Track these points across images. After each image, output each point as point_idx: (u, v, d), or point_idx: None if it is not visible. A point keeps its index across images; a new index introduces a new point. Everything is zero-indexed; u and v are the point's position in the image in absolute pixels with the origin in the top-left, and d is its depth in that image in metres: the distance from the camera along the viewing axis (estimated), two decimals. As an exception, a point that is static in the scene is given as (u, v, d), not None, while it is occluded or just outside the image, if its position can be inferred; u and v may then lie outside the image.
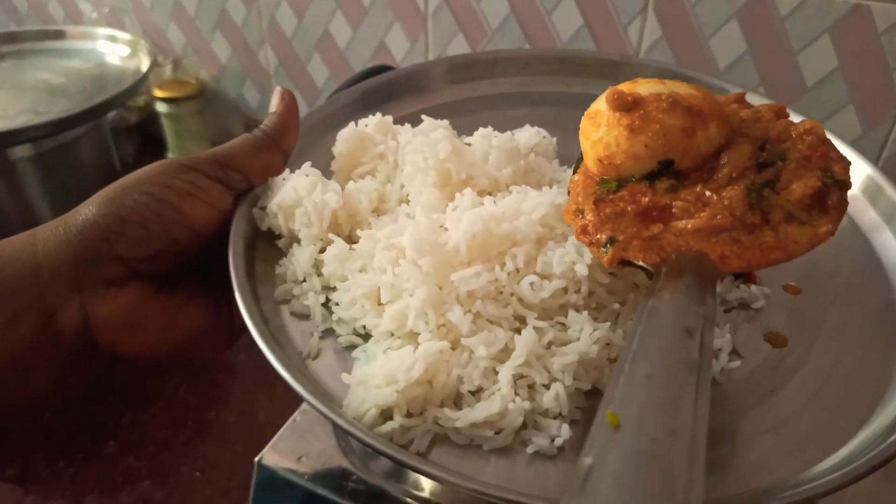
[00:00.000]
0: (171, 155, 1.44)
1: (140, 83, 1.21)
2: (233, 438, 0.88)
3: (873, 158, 0.59)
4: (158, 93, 1.40)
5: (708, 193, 0.43)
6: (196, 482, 0.83)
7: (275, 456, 0.64)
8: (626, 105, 0.45)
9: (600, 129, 0.45)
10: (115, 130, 1.36)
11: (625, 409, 0.32)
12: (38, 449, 0.87)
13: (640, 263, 0.43)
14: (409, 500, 0.59)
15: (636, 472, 0.29)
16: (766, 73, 0.92)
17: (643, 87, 0.46)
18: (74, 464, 0.85)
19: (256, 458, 0.64)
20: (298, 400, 0.72)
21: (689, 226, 0.42)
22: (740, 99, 0.51)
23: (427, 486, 0.61)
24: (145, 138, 1.49)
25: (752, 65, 0.92)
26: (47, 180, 1.15)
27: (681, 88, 0.46)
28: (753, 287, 0.53)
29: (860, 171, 0.60)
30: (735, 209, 0.42)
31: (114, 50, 1.32)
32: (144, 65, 1.24)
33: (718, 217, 0.42)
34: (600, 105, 0.47)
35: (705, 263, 0.41)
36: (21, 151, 1.10)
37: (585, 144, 0.47)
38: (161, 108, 1.42)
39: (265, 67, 1.38)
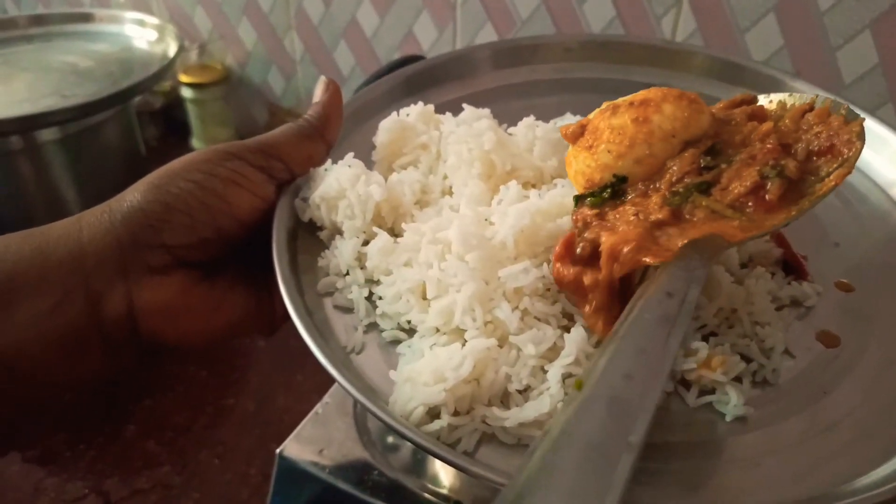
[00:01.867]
0: (195, 140, 1.43)
1: (167, 68, 1.20)
2: (252, 425, 0.88)
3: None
4: (184, 78, 1.40)
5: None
6: (214, 468, 0.83)
7: (296, 448, 0.64)
8: (577, 133, 0.50)
9: (573, 166, 0.50)
10: (139, 114, 1.35)
11: (590, 370, 0.34)
12: (59, 431, 0.88)
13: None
14: (428, 494, 0.58)
15: (585, 413, 0.30)
16: (802, 68, 0.89)
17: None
18: (94, 447, 0.85)
19: (278, 450, 0.64)
20: (318, 387, 0.72)
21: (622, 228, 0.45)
22: (749, 100, 0.52)
23: (447, 481, 0.61)
24: (169, 123, 1.49)
25: (787, 59, 0.89)
26: (72, 163, 1.15)
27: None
28: (805, 284, 0.52)
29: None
30: (650, 213, 0.45)
31: (141, 34, 1.32)
32: (172, 50, 1.24)
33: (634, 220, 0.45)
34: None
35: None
36: (47, 134, 1.09)
37: (575, 183, 0.50)
38: (186, 92, 1.41)
39: (291, 54, 1.37)
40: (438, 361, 0.42)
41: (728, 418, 0.44)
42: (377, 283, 0.48)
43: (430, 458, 0.62)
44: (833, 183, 0.45)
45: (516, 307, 0.45)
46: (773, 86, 0.66)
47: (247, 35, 1.41)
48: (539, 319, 0.45)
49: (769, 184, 0.45)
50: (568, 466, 0.27)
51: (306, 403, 0.70)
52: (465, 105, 0.57)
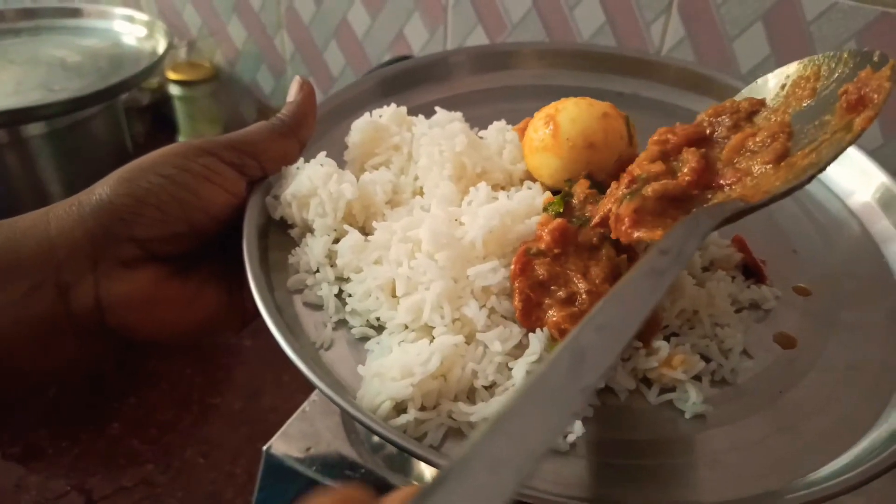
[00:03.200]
0: (182, 138, 1.41)
1: (156, 65, 1.18)
2: (238, 423, 0.87)
3: (894, 168, 0.57)
4: (172, 75, 1.37)
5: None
6: (200, 466, 0.82)
7: (283, 445, 0.63)
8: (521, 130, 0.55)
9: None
10: (127, 111, 1.33)
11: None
12: (42, 428, 0.85)
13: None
14: None
15: (552, 365, 0.30)
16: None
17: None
18: (78, 444, 0.83)
19: (264, 447, 0.63)
20: (304, 387, 0.71)
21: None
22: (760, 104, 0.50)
23: (432, 477, 0.60)
24: (157, 120, 1.47)
25: (775, 67, 0.89)
26: (59, 158, 1.13)
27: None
28: (764, 288, 0.52)
29: (874, 179, 0.58)
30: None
31: (130, 30, 1.30)
32: (161, 46, 1.22)
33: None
34: None
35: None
36: (34, 129, 1.07)
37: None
38: (174, 90, 1.39)
39: (281, 53, 1.35)
40: (406, 357, 0.42)
41: (687, 416, 0.44)
42: (347, 280, 0.48)
43: None
44: (860, 127, 0.43)
45: (483, 305, 0.45)
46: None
47: (237, 33, 1.39)
48: (506, 318, 0.45)
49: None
50: (523, 412, 0.27)
51: (292, 402, 0.69)
52: (437, 108, 0.56)
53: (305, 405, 0.68)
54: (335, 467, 0.62)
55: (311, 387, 0.59)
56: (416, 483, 0.60)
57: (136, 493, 0.79)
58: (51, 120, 1.08)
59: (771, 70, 0.50)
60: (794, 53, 0.86)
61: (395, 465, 0.62)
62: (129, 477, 0.80)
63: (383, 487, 0.59)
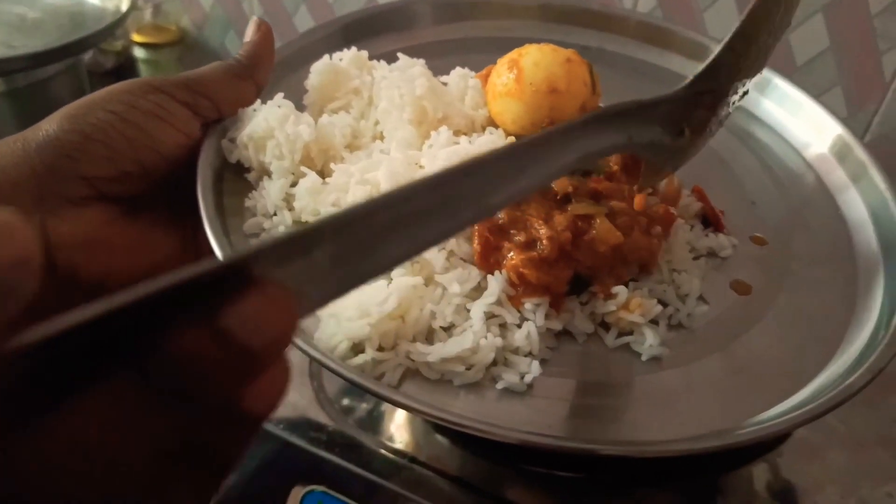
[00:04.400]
0: (149, 100, 1.36)
1: (119, 22, 1.13)
2: None
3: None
4: (137, 37, 1.32)
5: None
6: None
7: None
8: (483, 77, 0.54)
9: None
10: (90, 75, 1.27)
11: None
12: None
13: None
14: (384, 451, 0.57)
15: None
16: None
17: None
18: None
19: None
20: None
21: None
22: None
23: (403, 437, 0.59)
24: (122, 83, 1.41)
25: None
26: (20, 118, 1.08)
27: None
28: (721, 236, 0.51)
29: (830, 130, 0.58)
30: None
31: (92, -12, 1.23)
32: (124, 5, 1.16)
33: None
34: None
35: None
36: (-8, 86, 1.02)
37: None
38: (139, 53, 1.33)
39: (249, 17, 1.30)
40: (363, 297, 0.40)
41: (644, 358, 0.43)
42: (305, 224, 0.45)
43: (387, 416, 0.61)
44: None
45: (443, 248, 0.43)
46: (700, 51, 0.65)
47: (203, -4, 1.34)
48: (464, 260, 0.43)
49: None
50: None
51: None
52: (399, 54, 0.54)
53: None
54: (304, 426, 0.60)
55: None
56: (387, 443, 0.59)
57: None
58: (10, 77, 1.02)
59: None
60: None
61: (364, 425, 0.61)
62: None
63: (353, 448, 0.58)
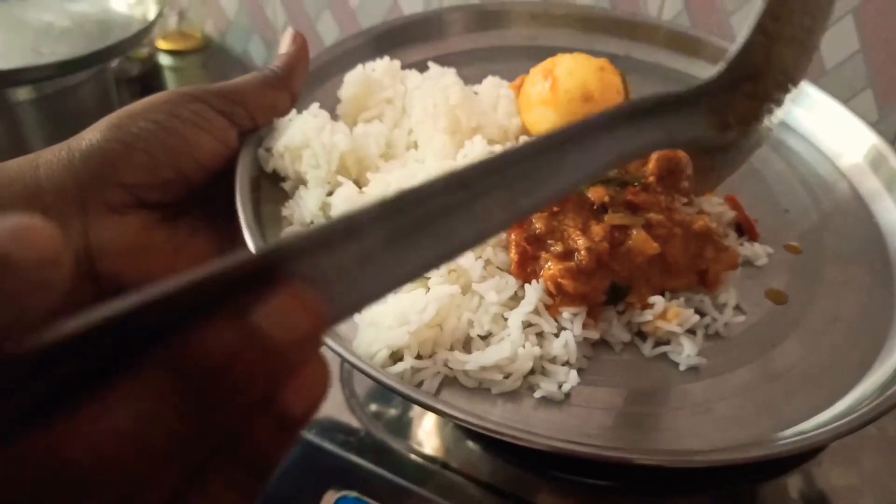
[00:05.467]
0: (172, 107, 1.37)
1: (147, 31, 1.14)
2: None
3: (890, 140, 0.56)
4: (162, 44, 1.34)
5: None
6: None
7: None
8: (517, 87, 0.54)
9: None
10: (116, 82, 1.29)
11: None
12: None
13: None
14: (415, 456, 0.57)
15: None
16: None
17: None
18: None
19: None
20: None
21: None
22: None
23: (433, 443, 0.59)
24: (147, 91, 1.41)
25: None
26: (47, 125, 1.09)
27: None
28: (756, 245, 0.51)
29: (864, 139, 0.57)
30: None
31: (120, -5, 1.25)
32: (151, 13, 1.18)
33: None
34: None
35: None
36: (22, 94, 1.03)
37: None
38: (164, 60, 1.35)
39: (273, 23, 1.31)
40: (402, 305, 0.40)
41: (682, 367, 0.43)
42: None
43: (418, 421, 0.61)
44: None
45: (479, 257, 0.43)
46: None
47: (228, 2, 1.35)
48: (501, 269, 0.44)
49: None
50: None
51: None
52: (430, 63, 0.54)
53: None
54: (335, 430, 0.60)
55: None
56: (418, 449, 0.59)
57: None
58: (38, 85, 1.04)
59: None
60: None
61: (394, 429, 0.61)
62: None
63: (384, 453, 0.58)
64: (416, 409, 0.63)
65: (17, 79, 1.00)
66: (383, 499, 0.55)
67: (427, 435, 0.61)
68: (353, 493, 0.57)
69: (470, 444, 0.58)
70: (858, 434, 0.55)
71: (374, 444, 0.58)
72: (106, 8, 1.23)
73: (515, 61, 0.64)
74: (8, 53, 1.04)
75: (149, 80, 1.42)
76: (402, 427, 0.61)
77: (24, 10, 1.18)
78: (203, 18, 1.40)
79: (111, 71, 1.22)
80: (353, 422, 0.61)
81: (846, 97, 0.83)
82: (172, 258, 0.46)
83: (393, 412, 0.63)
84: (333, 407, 0.62)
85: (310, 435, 0.60)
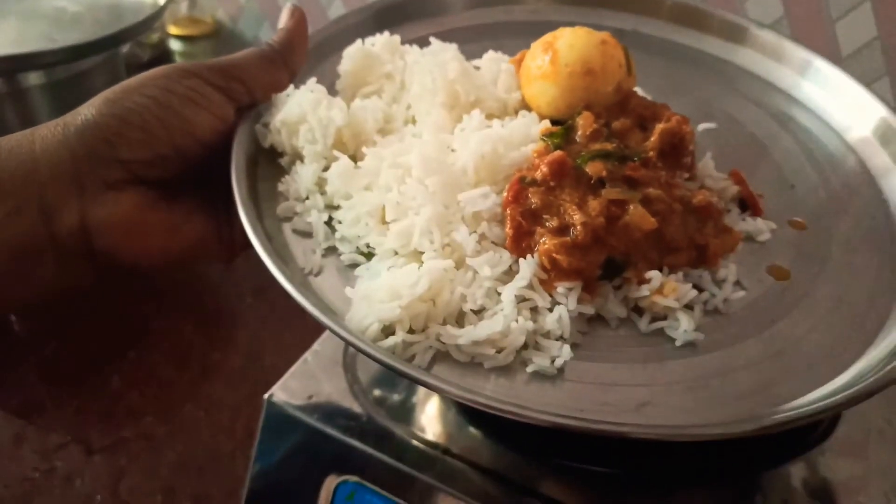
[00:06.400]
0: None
1: (157, 15, 1.15)
2: (238, 380, 0.84)
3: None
4: (173, 30, 1.34)
5: None
6: (199, 420, 0.80)
7: (284, 394, 0.61)
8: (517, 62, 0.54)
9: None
10: (127, 67, 1.30)
11: None
12: (41, 380, 0.83)
13: None
14: (416, 442, 0.57)
15: None
16: (801, 39, 0.85)
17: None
18: (78, 397, 0.80)
19: (266, 396, 0.62)
20: (305, 345, 0.70)
21: None
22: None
23: (435, 429, 0.59)
24: (159, 76, 1.44)
25: (787, 29, 0.82)
26: (58, 110, 1.09)
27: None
28: (759, 220, 0.50)
29: (873, 113, 0.56)
30: None
31: (130, -18, 1.26)
32: (162, -2, 1.18)
33: None
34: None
35: None
36: (34, 79, 1.04)
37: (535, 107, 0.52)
38: (175, 45, 1.36)
39: (283, 9, 1.31)
40: (395, 280, 0.40)
41: (678, 343, 0.43)
42: (337, 208, 0.46)
43: (420, 406, 0.61)
44: None
45: (474, 231, 0.43)
46: (738, 33, 0.64)
47: (238, -12, 1.35)
48: (496, 244, 0.43)
49: None
50: None
51: (293, 361, 0.67)
52: (432, 38, 0.54)
53: (307, 355, 0.66)
54: (337, 416, 0.60)
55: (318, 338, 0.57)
56: (420, 434, 0.59)
57: (136, 444, 0.78)
58: (50, 70, 1.05)
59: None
60: (807, 15, 0.80)
61: (397, 415, 0.61)
62: (129, 429, 0.78)
63: (386, 438, 0.58)
64: (419, 395, 0.63)
65: (30, 64, 1.01)
66: (384, 484, 0.56)
67: (429, 421, 0.61)
68: (355, 478, 0.57)
69: (472, 430, 0.58)
70: (865, 426, 0.55)
71: (376, 430, 0.58)
72: (117, -7, 1.24)
73: (520, 38, 0.63)
74: (21, 39, 1.05)
75: (159, 65, 1.42)
76: (405, 413, 0.61)
77: (37, -4, 1.19)
78: (214, 4, 1.40)
79: (122, 56, 1.23)
80: (356, 407, 0.61)
81: (863, 85, 0.81)
82: (169, 235, 0.46)
83: (395, 398, 0.63)
84: (336, 392, 0.62)
85: (312, 420, 0.60)
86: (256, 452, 0.63)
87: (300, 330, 0.86)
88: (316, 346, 0.67)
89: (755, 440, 0.56)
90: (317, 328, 0.72)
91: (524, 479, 0.54)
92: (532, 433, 0.57)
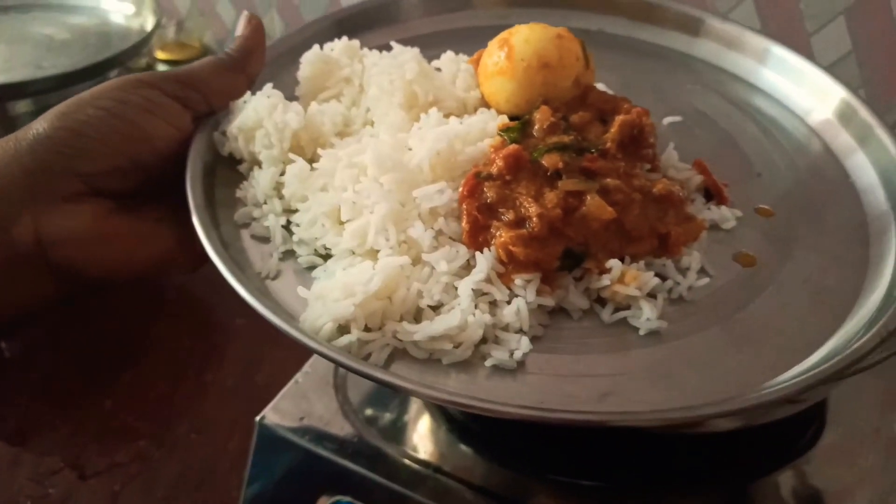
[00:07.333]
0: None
1: (145, 42, 1.14)
2: (231, 400, 0.82)
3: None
4: (160, 55, 1.34)
5: None
6: (193, 442, 0.78)
7: (276, 416, 0.61)
8: (475, 61, 0.52)
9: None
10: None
11: None
12: (34, 404, 0.81)
13: None
14: (408, 461, 0.56)
15: None
16: (767, 17, 0.84)
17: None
18: (70, 420, 0.79)
19: (258, 418, 0.61)
20: (298, 362, 0.69)
21: None
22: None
23: (426, 448, 0.58)
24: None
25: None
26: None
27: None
28: (724, 208, 0.49)
29: (833, 95, 0.55)
30: None
31: (118, 7, 1.25)
32: (149, 24, 1.18)
33: None
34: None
35: None
36: (22, 107, 1.04)
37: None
38: (163, 70, 1.35)
39: (271, 34, 1.30)
40: (349, 278, 0.39)
41: (642, 332, 0.41)
42: (295, 212, 0.44)
43: (411, 426, 0.60)
44: None
45: (430, 227, 0.41)
46: (696, 26, 0.63)
47: (226, 12, 1.35)
48: (453, 239, 0.42)
49: None
50: None
51: (287, 380, 0.66)
52: (393, 42, 0.52)
53: (298, 376, 0.65)
54: (329, 437, 0.59)
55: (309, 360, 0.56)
56: (411, 453, 0.58)
57: (131, 468, 0.76)
58: (39, 97, 1.04)
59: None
60: (784, 29, 0.79)
61: (388, 435, 0.60)
62: (124, 453, 0.76)
63: (378, 458, 0.57)
64: (410, 414, 0.62)
65: (19, 92, 1.01)
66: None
67: (420, 439, 0.60)
68: (347, 499, 0.56)
69: (463, 447, 0.57)
70: (853, 433, 0.53)
71: (368, 450, 0.58)
72: (105, 20, 1.24)
73: (483, 42, 0.62)
74: (8, 66, 1.05)
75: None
76: (396, 432, 0.60)
77: (25, 23, 1.19)
78: (201, 28, 1.39)
79: (111, 82, 1.22)
80: (347, 427, 0.60)
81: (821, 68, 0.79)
82: (131, 247, 0.45)
83: (386, 417, 0.62)
84: (327, 413, 0.62)
85: (304, 441, 0.59)
86: (249, 474, 0.62)
87: (292, 347, 0.84)
88: (307, 367, 0.66)
89: (744, 447, 0.55)
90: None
91: (515, 495, 0.54)
92: (521, 447, 0.56)
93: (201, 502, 0.72)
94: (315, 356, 0.67)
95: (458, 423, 0.59)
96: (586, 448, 0.57)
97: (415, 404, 0.62)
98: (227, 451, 0.76)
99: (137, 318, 0.91)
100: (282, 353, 0.86)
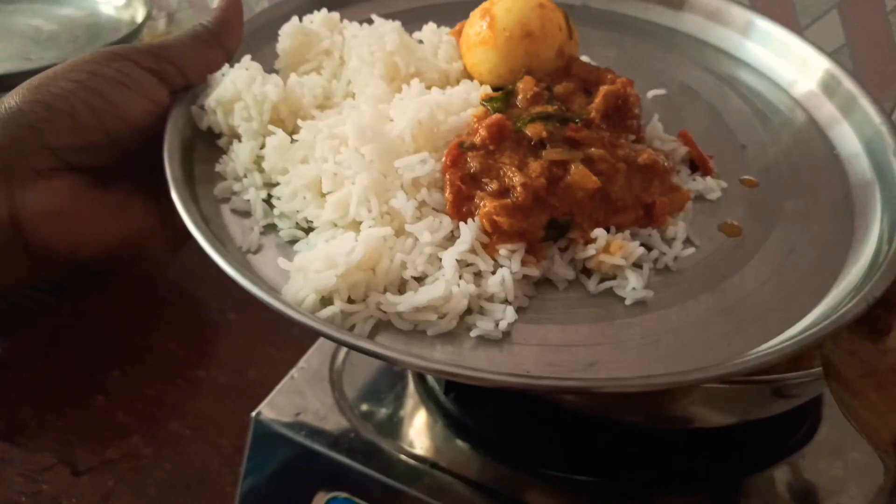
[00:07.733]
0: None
1: (135, 34, 1.12)
2: (224, 397, 0.80)
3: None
4: (150, 45, 1.31)
5: None
6: (186, 439, 0.76)
7: (272, 411, 0.59)
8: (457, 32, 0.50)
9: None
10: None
11: None
12: (25, 401, 0.79)
13: None
14: (404, 457, 0.55)
15: None
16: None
17: None
18: (62, 417, 0.77)
19: (253, 414, 0.59)
20: (292, 361, 0.67)
21: None
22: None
23: (422, 443, 0.57)
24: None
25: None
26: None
27: None
28: (709, 179, 0.47)
29: (817, 66, 0.53)
30: None
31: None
32: (140, 15, 1.15)
33: None
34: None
35: None
36: (9, 98, 1.01)
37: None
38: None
39: (253, 7, 1.28)
40: (330, 250, 0.37)
41: (628, 301, 0.40)
42: (275, 185, 0.43)
43: (407, 421, 0.60)
44: None
45: (413, 198, 0.40)
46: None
47: (216, 4, 1.32)
48: (437, 210, 0.41)
49: None
50: None
51: (279, 376, 0.64)
52: (374, 16, 0.51)
53: (293, 372, 0.64)
54: (325, 432, 0.58)
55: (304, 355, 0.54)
56: (407, 449, 0.56)
57: (122, 464, 0.74)
58: (26, 88, 1.02)
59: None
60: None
61: (384, 430, 0.59)
62: (115, 449, 0.75)
63: (374, 453, 0.56)
64: (406, 409, 0.61)
65: (6, 85, 0.98)
66: (373, 499, 0.54)
67: (416, 435, 0.59)
68: (344, 494, 0.56)
69: (459, 442, 0.57)
70: (848, 428, 0.52)
71: (364, 445, 0.57)
72: (94, 11, 1.21)
73: (467, 16, 0.60)
74: (-4, 59, 1.02)
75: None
76: (392, 427, 0.59)
77: (12, 15, 1.16)
78: (192, 21, 1.36)
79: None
80: (343, 423, 0.59)
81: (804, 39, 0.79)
82: (106, 223, 0.43)
83: (382, 412, 0.61)
84: (323, 408, 0.61)
85: (299, 436, 0.58)
86: (245, 470, 0.61)
87: (285, 344, 0.83)
88: (302, 362, 0.65)
89: (740, 443, 0.54)
90: (302, 343, 0.69)
91: (511, 490, 0.53)
92: (517, 442, 0.56)
93: (194, 499, 0.71)
94: (310, 352, 0.66)
95: (454, 418, 0.59)
96: (582, 443, 0.56)
97: (410, 399, 0.62)
98: (220, 448, 0.75)
99: (130, 314, 0.89)
100: (274, 350, 0.84)
